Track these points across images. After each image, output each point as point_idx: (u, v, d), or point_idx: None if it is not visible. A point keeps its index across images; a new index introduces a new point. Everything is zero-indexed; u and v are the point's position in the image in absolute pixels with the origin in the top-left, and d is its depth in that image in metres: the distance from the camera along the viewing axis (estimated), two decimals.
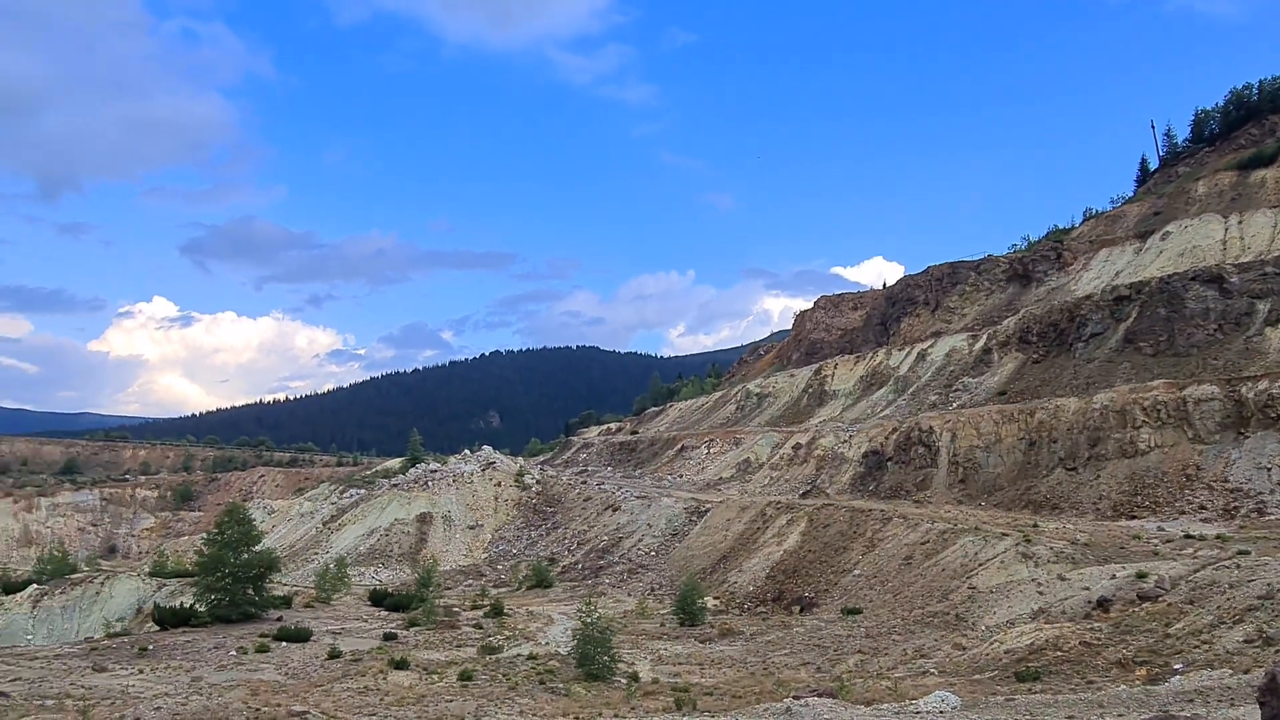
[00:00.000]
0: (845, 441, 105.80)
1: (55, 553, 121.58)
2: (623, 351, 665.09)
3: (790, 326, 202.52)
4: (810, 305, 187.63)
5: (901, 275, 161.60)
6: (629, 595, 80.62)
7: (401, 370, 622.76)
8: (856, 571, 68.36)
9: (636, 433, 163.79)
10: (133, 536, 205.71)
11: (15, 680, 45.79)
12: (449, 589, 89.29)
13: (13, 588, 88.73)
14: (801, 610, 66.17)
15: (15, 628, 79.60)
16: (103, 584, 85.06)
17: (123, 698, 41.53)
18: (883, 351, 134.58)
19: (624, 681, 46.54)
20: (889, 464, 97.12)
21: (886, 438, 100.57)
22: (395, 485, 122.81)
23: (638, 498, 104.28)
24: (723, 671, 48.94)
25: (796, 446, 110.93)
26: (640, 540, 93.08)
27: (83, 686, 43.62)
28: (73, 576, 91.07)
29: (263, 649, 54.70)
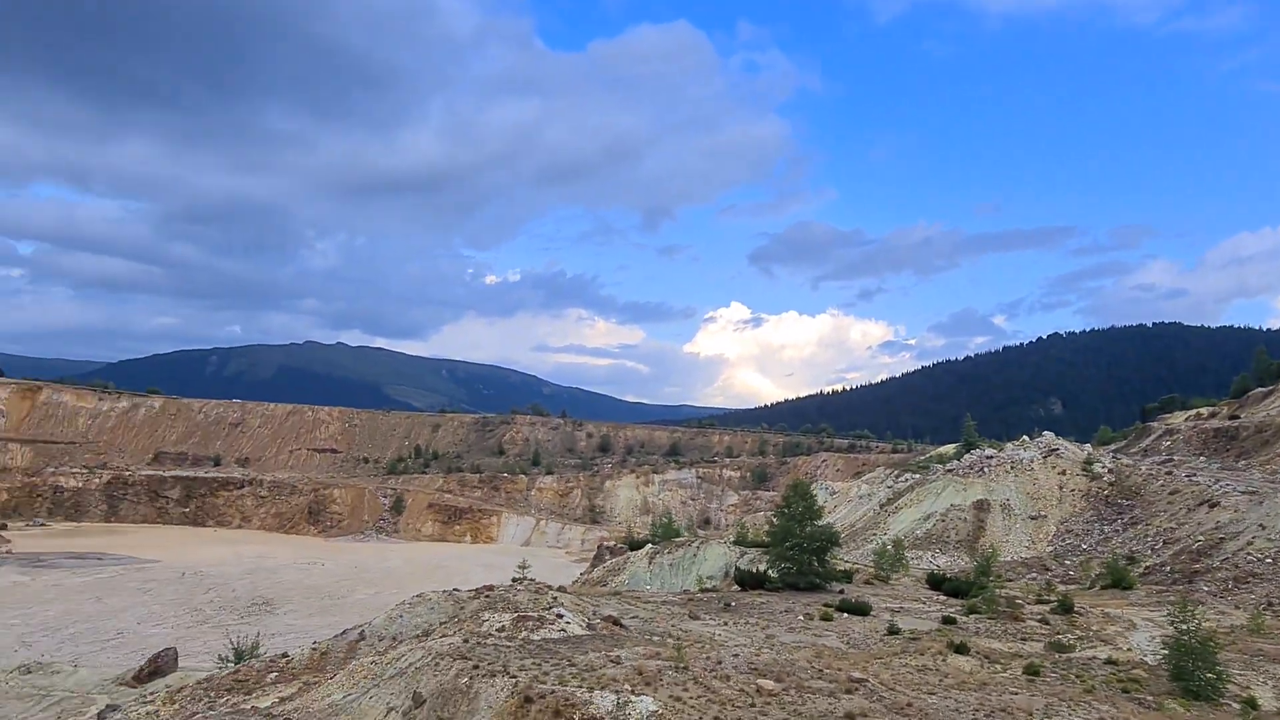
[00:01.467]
0: None
1: (664, 520, 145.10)
2: (1213, 326, 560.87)
3: None
4: None
5: None
6: (1235, 607, 67.42)
7: (952, 358, 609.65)
8: None
9: (1238, 417, 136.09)
10: (721, 510, 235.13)
11: (634, 617, 55.61)
12: (1010, 580, 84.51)
13: (636, 545, 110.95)
14: None
15: (637, 577, 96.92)
16: (698, 548, 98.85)
17: (710, 642, 47.68)
18: None
19: (1236, 706, 39.09)
20: None
21: None
22: (950, 471, 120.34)
23: (1243, 493, 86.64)
24: None
25: None
26: (1249, 543, 77.20)
27: (681, 629, 51.14)
28: (677, 540, 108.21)
29: (826, 617, 58.01)
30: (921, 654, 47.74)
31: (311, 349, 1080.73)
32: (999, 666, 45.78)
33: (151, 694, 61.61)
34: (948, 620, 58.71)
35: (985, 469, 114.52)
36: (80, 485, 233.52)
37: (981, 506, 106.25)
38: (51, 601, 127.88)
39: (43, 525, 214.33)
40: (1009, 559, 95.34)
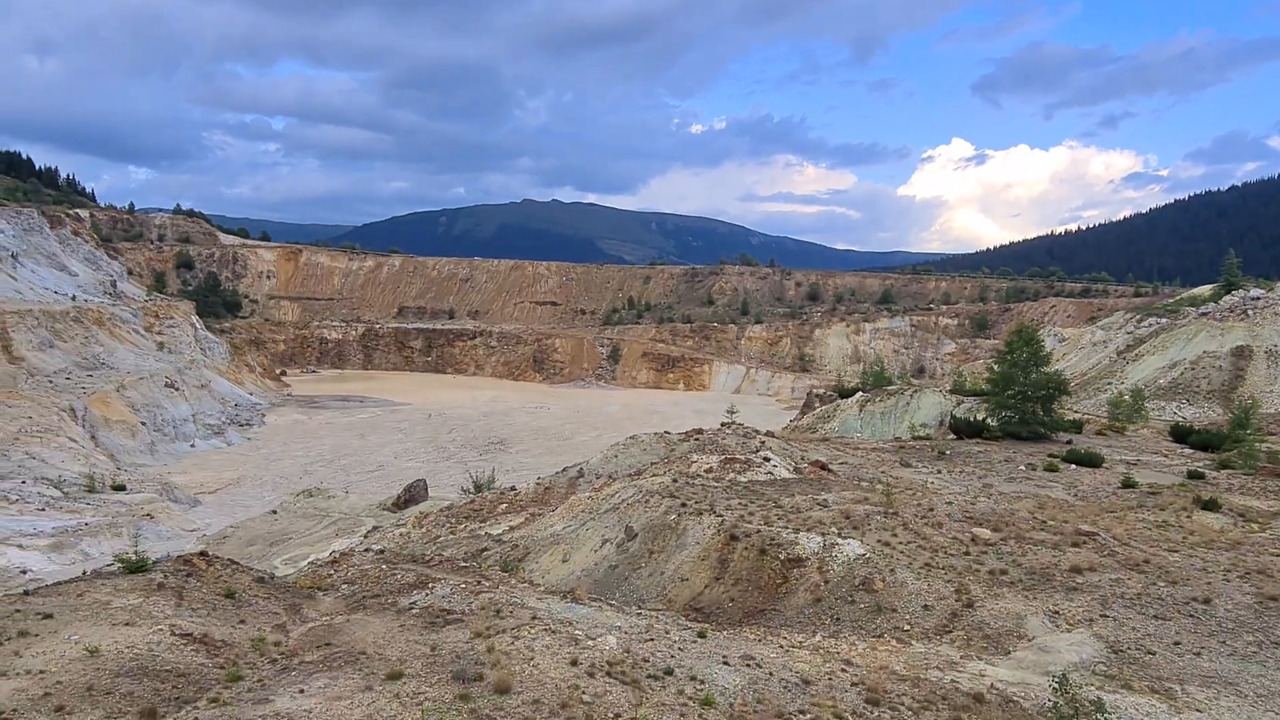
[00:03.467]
0: None
1: (876, 368, 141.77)
2: None
3: None
4: None
5: None
6: None
7: (1213, 189, 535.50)
8: None
9: None
10: (936, 359, 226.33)
11: (842, 463, 55.22)
12: (1273, 434, 75.67)
13: (847, 393, 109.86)
14: None
15: (848, 425, 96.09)
16: (911, 396, 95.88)
17: (921, 489, 46.51)
18: None
19: None
20: None
21: None
22: (1204, 314, 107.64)
23: None
24: None
25: None
26: None
27: (890, 476, 50.19)
28: (888, 388, 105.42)
29: (1051, 468, 54.82)
30: (1162, 509, 44.13)
31: (528, 207, 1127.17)
32: (1256, 526, 41.47)
33: (405, 518, 69.66)
34: (1194, 475, 53.72)
35: (1249, 311, 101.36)
36: (340, 337, 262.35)
37: (1241, 353, 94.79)
38: (325, 437, 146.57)
39: (314, 372, 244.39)
40: (1272, 411, 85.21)
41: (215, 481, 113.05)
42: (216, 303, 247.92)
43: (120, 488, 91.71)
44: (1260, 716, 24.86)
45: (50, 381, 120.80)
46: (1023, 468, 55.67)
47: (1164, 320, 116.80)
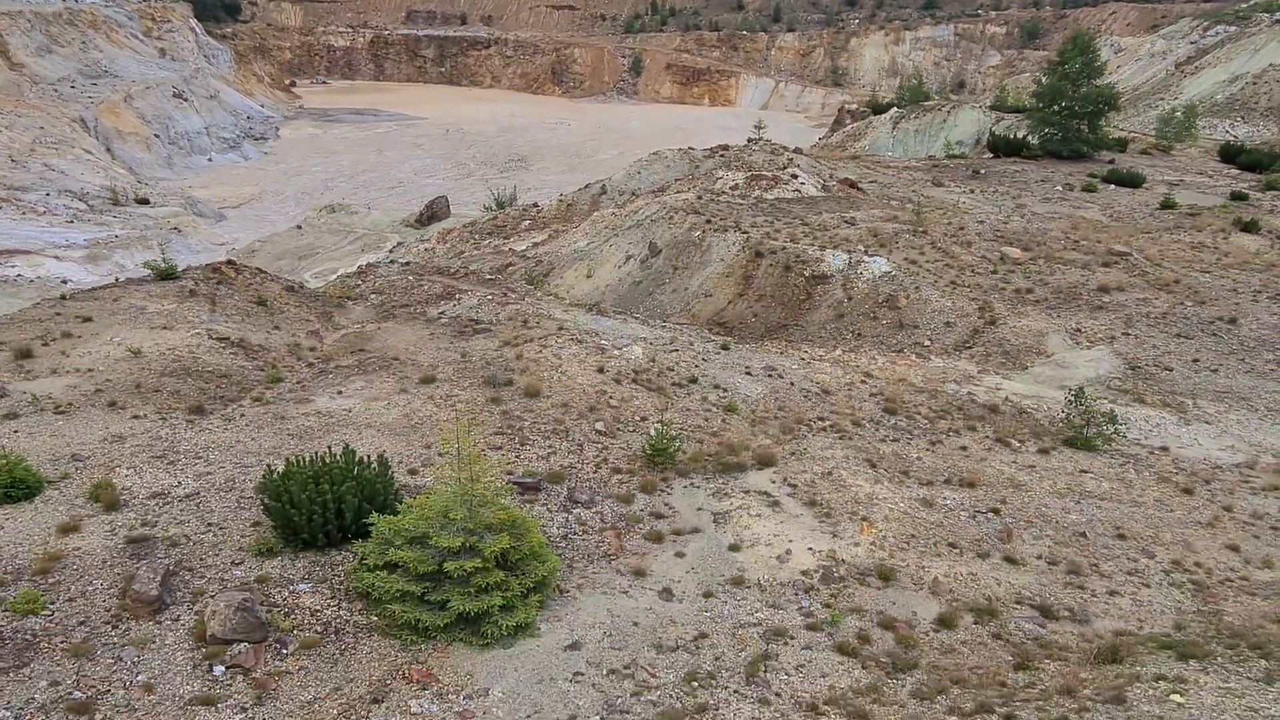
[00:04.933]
0: None
1: (913, 82, 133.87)
2: None
3: None
4: None
5: None
6: None
7: None
8: None
9: None
10: (979, 73, 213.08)
11: (872, 181, 53.57)
12: None
13: (880, 109, 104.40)
14: None
15: (879, 143, 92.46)
16: (949, 112, 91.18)
17: (953, 209, 45.34)
18: None
19: None
20: None
21: None
22: (1279, 22, 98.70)
23: None
24: None
25: None
26: None
27: (922, 194, 48.79)
28: (925, 104, 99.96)
29: (1089, 188, 53.01)
30: (1199, 230, 43.04)
31: None
32: None
33: (428, 234, 69.75)
34: (1237, 196, 51.84)
35: None
36: (348, 44, 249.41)
37: None
38: (342, 153, 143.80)
39: (324, 83, 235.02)
40: None
41: (236, 196, 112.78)
42: (215, 4, 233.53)
43: (144, 201, 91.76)
44: (1268, 429, 25.62)
45: (55, 90, 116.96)
46: (1059, 188, 53.87)
47: (1233, 28, 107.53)
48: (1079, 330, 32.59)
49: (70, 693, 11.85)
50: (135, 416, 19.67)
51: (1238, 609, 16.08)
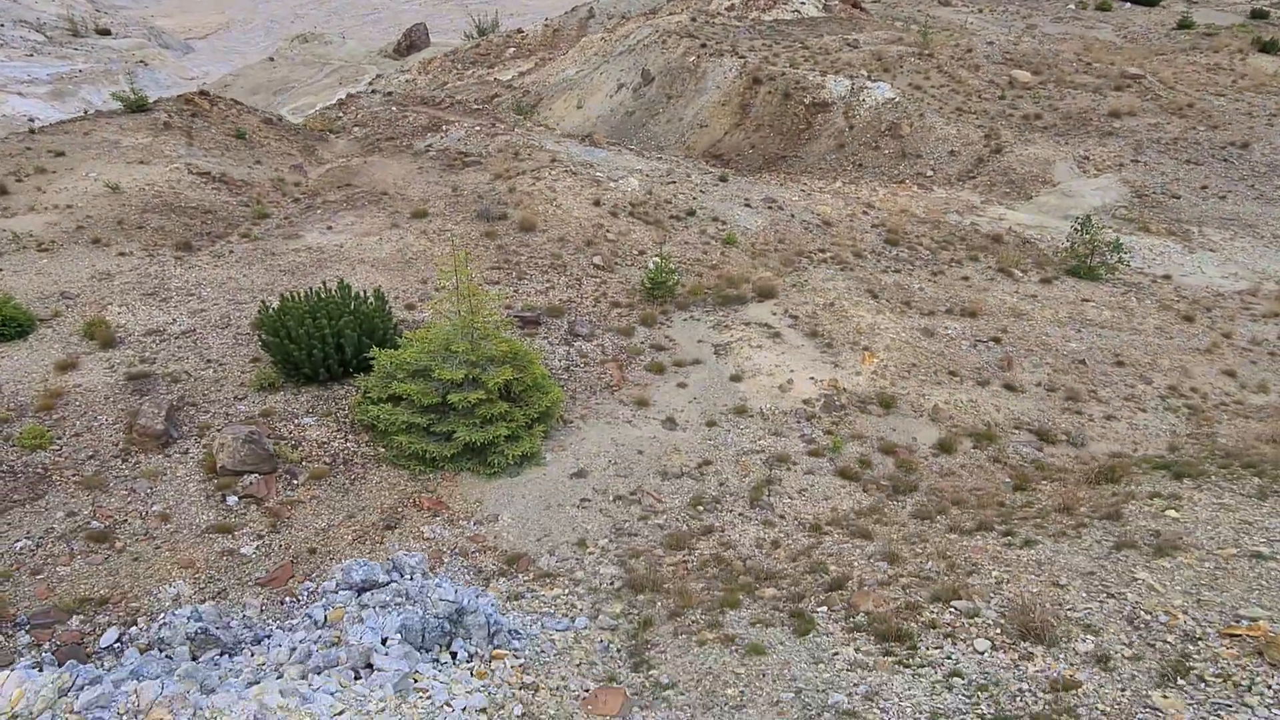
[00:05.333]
0: None
1: None
2: None
3: None
4: None
5: None
6: None
7: None
8: None
9: None
10: None
11: (876, 1, 50.67)
12: None
13: None
14: None
15: None
16: None
17: (960, 30, 43.13)
18: None
19: None
20: None
21: None
22: None
23: None
24: None
25: None
26: None
27: (928, 15, 46.25)
28: None
29: (1103, 7, 50.29)
30: (1216, 51, 41.17)
31: None
32: None
33: (409, 65, 66.48)
34: (1258, 14, 49.31)
35: None
36: None
37: None
38: None
39: None
40: None
41: (202, 26, 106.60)
42: None
43: (105, 32, 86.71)
44: (1273, 256, 25.39)
45: None
46: (1071, 6, 51.10)
47: None
48: (1087, 158, 31.72)
49: (88, 522, 12.03)
50: (121, 254, 19.16)
51: (1231, 431, 16.37)
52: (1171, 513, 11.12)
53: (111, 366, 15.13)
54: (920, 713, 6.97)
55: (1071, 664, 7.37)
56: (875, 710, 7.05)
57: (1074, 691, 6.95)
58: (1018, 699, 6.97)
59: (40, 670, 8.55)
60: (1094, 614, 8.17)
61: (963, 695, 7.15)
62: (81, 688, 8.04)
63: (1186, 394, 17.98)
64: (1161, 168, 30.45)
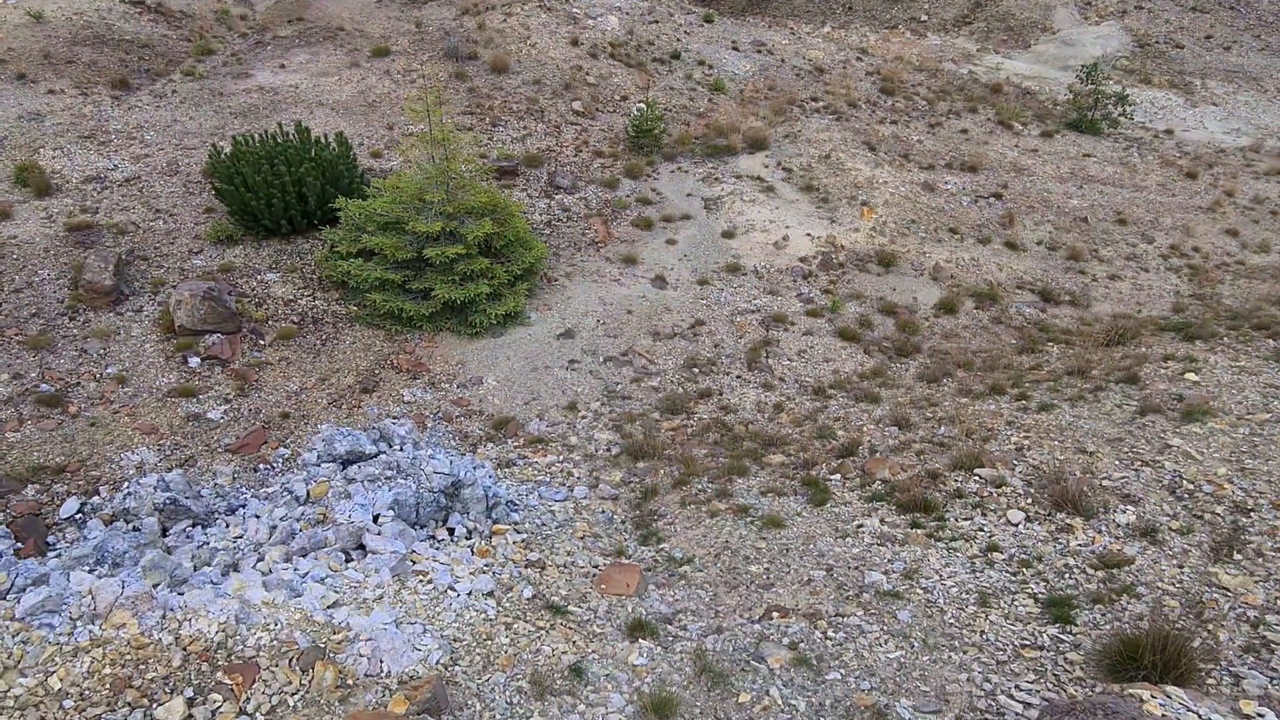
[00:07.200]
0: None
1: None
2: None
3: None
4: None
5: None
6: None
7: None
8: None
9: None
10: None
11: None
12: None
13: None
14: None
15: None
16: None
17: None
18: None
19: None
20: None
21: None
22: None
23: None
24: None
25: None
26: None
27: None
28: None
29: None
30: None
31: None
32: None
33: None
34: None
35: None
36: None
37: None
38: None
39: None
40: None
41: None
42: None
43: None
44: (1277, 111, 24.46)
45: None
46: None
47: None
48: (1089, 3, 30.01)
49: (37, 385, 11.08)
50: (51, 91, 17.29)
51: (1235, 292, 15.93)
52: (1190, 376, 10.66)
53: (49, 216, 13.76)
54: (966, 592, 6.55)
55: (1116, 537, 6.97)
56: (918, 590, 6.61)
57: (1127, 568, 6.57)
58: (1065, 576, 6.58)
59: None
60: (1130, 483, 7.75)
61: (1006, 572, 6.74)
62: (24, 589, 6.90)
63: (1188, 253, 17.44)
64: (1166, 14, 28.92)
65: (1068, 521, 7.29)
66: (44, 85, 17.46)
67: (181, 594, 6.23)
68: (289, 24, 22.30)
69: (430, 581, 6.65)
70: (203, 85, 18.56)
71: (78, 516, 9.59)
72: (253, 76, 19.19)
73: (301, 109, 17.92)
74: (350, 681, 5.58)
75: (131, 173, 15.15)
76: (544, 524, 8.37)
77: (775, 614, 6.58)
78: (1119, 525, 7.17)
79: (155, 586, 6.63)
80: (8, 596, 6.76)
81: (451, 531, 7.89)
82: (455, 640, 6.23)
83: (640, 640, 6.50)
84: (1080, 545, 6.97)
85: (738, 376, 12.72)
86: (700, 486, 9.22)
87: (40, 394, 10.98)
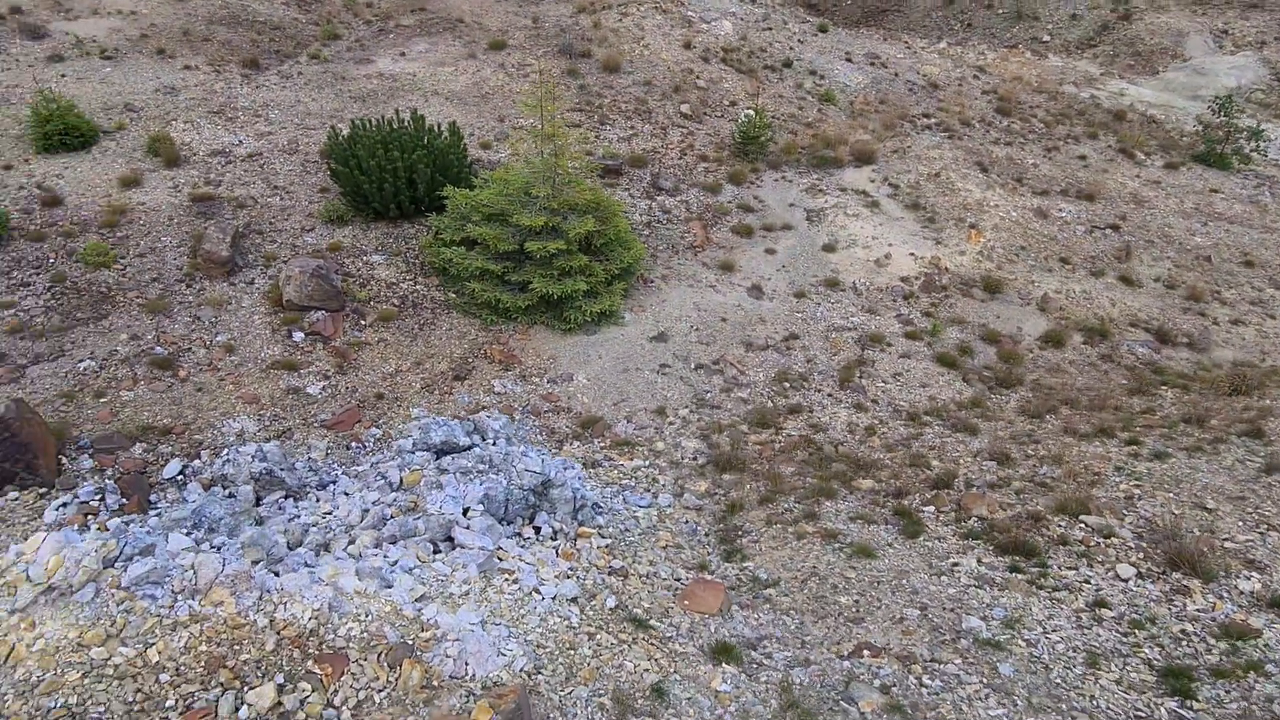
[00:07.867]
0: None
1: None
2: None
3: None
4: None
5: None
6: None
7: None
8: None
9: None
10: None
11: None
12: None
13: None
14: None
15: None
16: None
17: None
18: None
19: None
20: None
21: None
22: None
23: None
24: None
25: None
26: None
27: None
28: None
29: None
30: None
31: None
32: None
33: None
34: None
35: None
36: None
37: None
38: None
39: None
40: None
41: None
42: None
43: None
44: None
45: None
46: None
47: None
48: (1225, 31, 28.50)
49: (152, 348, 11.59)
50: (187, 67, 18.12)
51: None
52: None
53: (176, 186, 14.40)
54: (1074, 650, 6.22)
55: (1239, 605, 6.54)
56: (1020, 642, 6.31)
57: (1253, 642, 6.14)
58: (1183, 643, 6.18)
59: (83, 533, 7.53)
60: (1256, 546, 7.28)
61: (1117, 631, 6.38)
62: (131, 558, 6.92)
63: None
64: None
65: (1184, 583, 6.87)
66: (180, 61, 18.30)
67: (277, 574, 6.37)
68: (411, 13, 22.87)
69: (516, 581, 6.66)
70: (326, 68, 19.18)
71: (179, 478, 9.98)
72: (374, 62, 19.74)
73: (418, 96, 18.34)
74: (435, 683, 5.61)
75: (254, 149, 15.73)
76: (627, 530, 8.33)
77: (866, 652, 6.37)
78: (1242, 593, 6.73)
79: (255, 565, 6.80)
80: (116, 565, 6.92)
81: (537, 530, 7.91)
82: (539, 647, 6.22)
83: (724, 665, 6.38)
84: (1199, 611, 6.56)
85: (829, 395, 12.47)
86: (787, 505, 9.04)
87: (155, 356, 11.48)
